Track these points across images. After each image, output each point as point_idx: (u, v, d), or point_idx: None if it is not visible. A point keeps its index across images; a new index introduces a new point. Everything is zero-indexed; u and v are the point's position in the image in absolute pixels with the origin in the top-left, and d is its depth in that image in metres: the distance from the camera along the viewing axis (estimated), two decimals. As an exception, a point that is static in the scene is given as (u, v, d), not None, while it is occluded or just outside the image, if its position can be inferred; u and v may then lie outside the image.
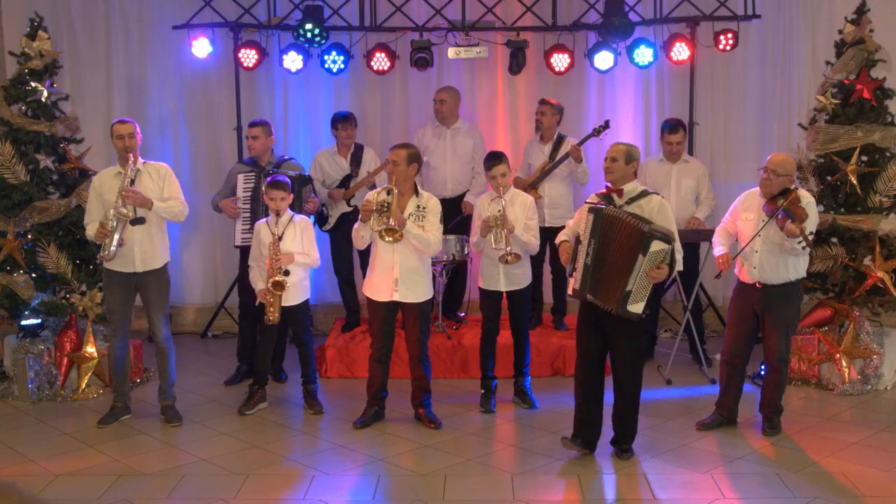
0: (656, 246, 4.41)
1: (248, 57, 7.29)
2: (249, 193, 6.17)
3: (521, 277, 5.61)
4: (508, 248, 5.33)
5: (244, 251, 6.18)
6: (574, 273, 4.68)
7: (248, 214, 6.16)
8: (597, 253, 4.56)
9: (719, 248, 5.26)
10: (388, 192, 5.11)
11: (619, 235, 4.52)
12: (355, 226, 5.30)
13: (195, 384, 6.33)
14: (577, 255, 4.68)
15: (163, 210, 5.35)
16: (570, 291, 4.75)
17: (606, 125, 6.71)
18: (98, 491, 4.44)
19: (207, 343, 7.70)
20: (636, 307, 4.49)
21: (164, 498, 4.37)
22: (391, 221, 5.01)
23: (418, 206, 5.26)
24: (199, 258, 8.03)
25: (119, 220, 5.20)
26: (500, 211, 5.38)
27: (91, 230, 5.36)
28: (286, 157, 6.40)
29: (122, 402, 5.54)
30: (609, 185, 4.76)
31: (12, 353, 6.04)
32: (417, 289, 5.30)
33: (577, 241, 4.69)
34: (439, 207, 5.37)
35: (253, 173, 6.20)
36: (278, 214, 5.49)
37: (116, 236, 5.22)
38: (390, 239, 5.04)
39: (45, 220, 6.05)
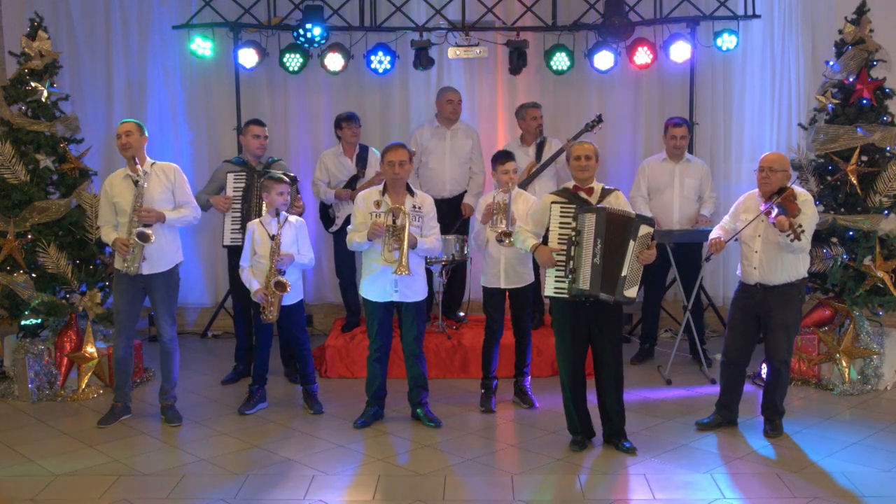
0: (643, 230, 4.69)
1: (248, 57, 7.29)
2: (241, 193, 6.13)
3: (522, 275, 5.61)
4: (506, 228, 5.34)
5: (232, 251, 6.18)
6: (572, 274, 4.70)
7: (237, 214, 6.12)
8: (604, 252, 4.66)
9: (713, 233, 5.32)
10: (390, 211, 5.15)
11: (615, 229, 4.68)
12: (357, 236, 5.22)
13: (195, 384, 6.33)
14: (572, 255, 4.70)
15: (175, 221, 5.38)
16: (560, 293, 4.76)
17: (599, 119, 6.74)
18: (98, 491, 4.44)
19: (207, 343, 7.71)
20: (631, 291, 4.74)
21: (164, 498, 4.37)
22: (404, 259, 5.03)
23: (414, 206, 5.27)
24: (199, 258, 8.03)
25: (141, 241, 5.22)
26: (504, 202, 5.43)
27: (105, 235, 5.43)
28: (274, 158, 6.37)
29: (122, 402, 5.53)
30: (577, 184, 4.88)
31: (12, 353, 6.04)
32: (416, 287, 5.31)
33: (571, 241, 4.70)
34: (434, 206, 5.42)
35: (244, 173, 6.17)
36: (278, 213, 5.49)
37: (137, 252, 5.23)
38: (407, 273, 5.07)
39: (45, 220, 6.05)
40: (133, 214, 5.24)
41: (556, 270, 4.77)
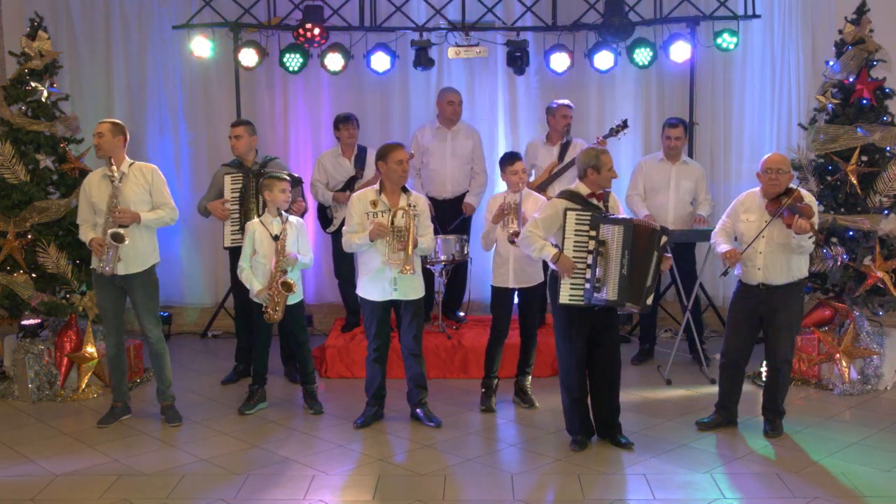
0: (663, 240, 4.76)
1: (248, 57, 7.29)
2: (238, 195, 6.13)
3: (531, 274, 5.59)
4: (517, 229, 5.34)
5: (234, 252, 6.17)
6: (597, 283, 4.70)
7: (236, 216, 6.12)
8: (631, 263, 4.70)
9: (723, 245, 5.20)
10: (393, 211, 5.16)
11: (642, 241, 4.72)
12: (356, 237, 5.20)
13: (195, 384, 6.33)
14: (597, 265, 4.70)
15: (151, 221, 5.34)
16: (576, 300, 4.76)
17: (625, 124, 6.66)
18: (98, 491, 4.44)
19: (207, 343, 7.70)
20: (650, 299, 4.82)
21: (164, 498, 4.37)
22: (410, 258, 5.08)
23: (409, 205, 5.27)
24: (199, 258, 8.04)
25: (115, 242, 5.20)
26: (515, 202, 5.42)
27: (83, 233, 5.39)
28: (271, 157, 6.35)
29: (121, 402, 5.54)
30: (592, 190, 4.86)
31: (12, 353, 6.04)
32: (415, 284, 5.31)
33: (597, 252, 4.71)
34: (427, 206, 5.44)
35: (240, 174, 6.16)
36: (280, 213, 5.48)
37: (112, 253, 5.21)
38: (412, 272, 5.14)
39: (45, 220, 6.05)
40: (108, 215, 5.23)
41: (573, 278, 4.77)
